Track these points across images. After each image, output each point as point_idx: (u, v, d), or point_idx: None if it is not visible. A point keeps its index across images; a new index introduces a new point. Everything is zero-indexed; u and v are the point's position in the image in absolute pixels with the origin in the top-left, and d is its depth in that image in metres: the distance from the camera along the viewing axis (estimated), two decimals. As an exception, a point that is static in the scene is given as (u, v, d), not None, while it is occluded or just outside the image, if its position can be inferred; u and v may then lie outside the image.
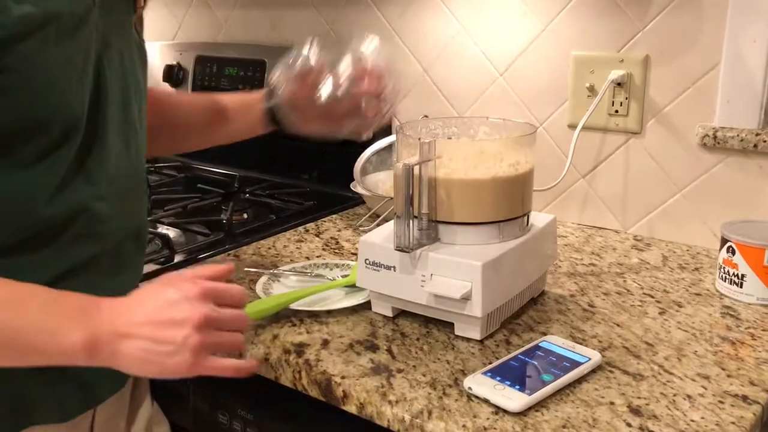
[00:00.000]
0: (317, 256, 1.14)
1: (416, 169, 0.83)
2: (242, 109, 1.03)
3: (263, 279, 1.01)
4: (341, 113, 0.95)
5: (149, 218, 1.30)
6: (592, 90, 1.22)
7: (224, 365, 0.69)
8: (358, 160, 1.33)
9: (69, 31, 0.68)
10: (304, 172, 1.58)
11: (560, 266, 1.10)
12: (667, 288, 1.02)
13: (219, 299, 0.68)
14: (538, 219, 0.96)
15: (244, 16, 1.68)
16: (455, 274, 0.84)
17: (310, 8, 1.56)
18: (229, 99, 1.04)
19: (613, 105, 1.21)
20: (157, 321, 0.64)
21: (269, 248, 1.17)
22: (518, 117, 1.29)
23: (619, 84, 1.19)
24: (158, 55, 1.76)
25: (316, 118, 0.98)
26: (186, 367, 0.65)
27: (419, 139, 0.85)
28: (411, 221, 0.84)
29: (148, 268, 1.06)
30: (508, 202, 0.89)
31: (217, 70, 1.66)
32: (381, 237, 0.90)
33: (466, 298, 0.83)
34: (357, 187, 1.33)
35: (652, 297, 0.99)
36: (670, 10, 1.13)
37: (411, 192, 0.84)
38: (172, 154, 1.67)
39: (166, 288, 0.67)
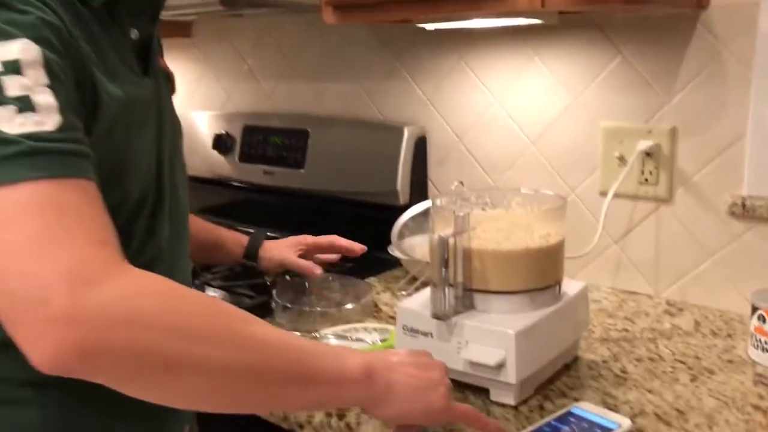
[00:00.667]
0: (357, 320, 1.18)
1: (451, 240, 0.89)
2: (234, 245, 1.23)
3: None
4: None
5: (198, 280, 1.38)
6: (621, 159, 1.26)
7: (472, 410, 0.79)
8: (396, 224, 1.38)
9: (143, 113, 0.76)
10: (346, 236, 1.64)
11: (594, 331, 1.13)
12: (699, 354, 1.04)
13: None
14: (570, 286, 1.00)
15: (288, 87, 1.78)
16: (490, 341, 0.88)
17: (350, 81, 1.64)
18: (225, 235, 1.25)
19: (642, 174, 1.25)
20: (416, 364, 0.76)
21: (311, 311, 1.22)
22: (550, 184, 1.34)
23: (648, 154, 1.23)
24: (208, 124, 1.86)
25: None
26: (442, 405, 0.75)
27: (454, 212, 0.91)
28: (447, 290, 0.89)
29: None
30: (540, 272, 0.93)
31: (263, 138, 1.75)
32: (418, 304, 0.95)
33: (500, 365, 0.86)
34: (394, 251, 1.38)
35: (684, 363, 1.01)
36: (695, 84, 1.18)
37: (446, 262, 0.89)
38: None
39: (425, 356, 0.79)
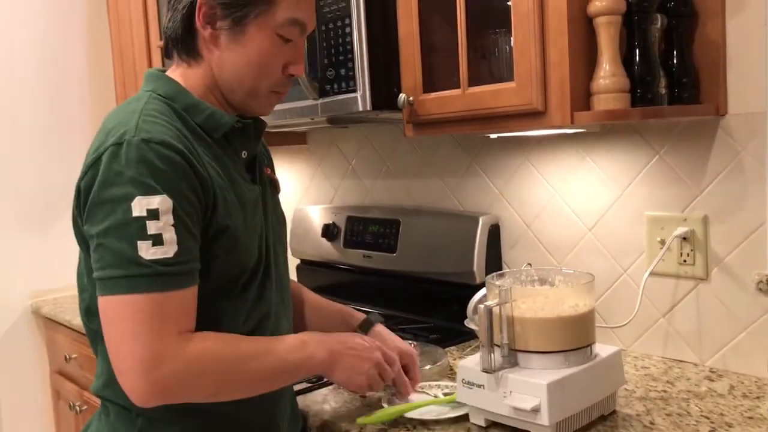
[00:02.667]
0: (434, 379, 1.42)
1: (495, 309, 1.13)
2: (342, 322, 1.39)
3: (389, 394, 1.31)
4: None
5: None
6: (663, 243, 1.46)
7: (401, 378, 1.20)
8: (471, 301, 1.62)
9: (252, 210, 1.09)
10: (431, 310, 1.89)
11: (635, 391, 1.31)
12: (724, 412, 1.20)
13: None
14: (605, 350, 1.21)
15: (385, 184, 2.09)
16: (528, 391, 1.10)
17: (436, 178, 1.93)
18: (337, 309, 1.42)
19: (681, 256, 1.44)
20: (357, 349, 1.13)
21: (396, 372, 1.47)
22: (604, 265, 1.55)
23: (684, 238, 1.43)
24: (318, 215, 2.20)
25: None
26: (362, 387, 1.14)
27: (498, 286, 1.15)
28: (493, 349, 1.13)
29: (300, 386, 1.40)
30: (572, 336, 1.14)
31: (363, 227, 2.05)
32: (474, 362, 1.19)
33: (535, 410, 1.08)
34: (470, 324, 1.61)
35: (708, 418, 1.18)
36: (720, 178, 1.37)
37: (491, 327, 1.12)
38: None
39: (366, 344, 1.15)
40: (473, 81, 1.38)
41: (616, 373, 1.22)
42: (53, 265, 2.62)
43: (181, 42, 1.07)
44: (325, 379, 1.48)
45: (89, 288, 1.04)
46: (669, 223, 1.45)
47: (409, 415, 1.21)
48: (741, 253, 1.36)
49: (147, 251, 0.91)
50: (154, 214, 0.91)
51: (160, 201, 0.92)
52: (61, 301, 2.55)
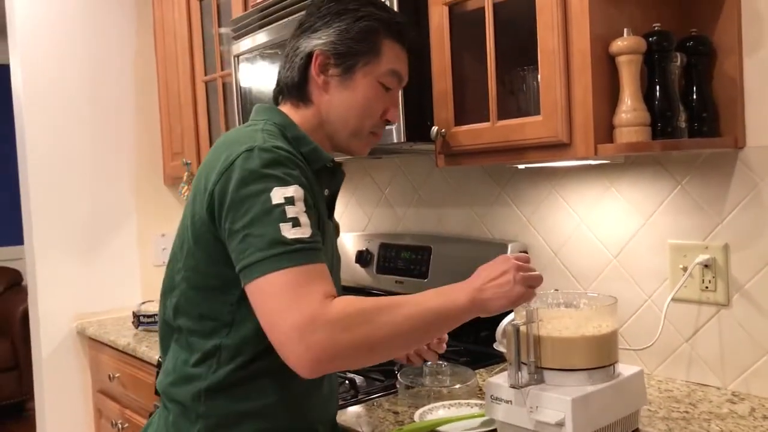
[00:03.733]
0: (463, 399, 1.48)
1: (522, 328, 1.20)
2: None
3: (420, 410, 1.38)
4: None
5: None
6: (685, 270, 1.51)
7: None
8: (499, 325, 1.68)
9: (328, 239, 1.19)
10: (461, 334, 1.95)
11: (658, 412, 1.36)
12: (743, 431, 1.25)
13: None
14: (628, 370, 1.26)
15: (416, 212, 2.18)
16: (553, 406, 1.16)
17: (466, 207, 2.02)
18: None
19: (703, 282, 1.49)
20: (495, 277, 1.12)
21: (427, 390, 1.54)
22: (629, 292, 1.61)
23: (706, 266, 1.48)
24: (352, 242, 2.29)
25: None
26: (519, 295, 1.12)
27: (526, 307, 1.22)
28: (520, 366, 1.19)
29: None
30: (595, 355, 1.21)
31: (395, 254, 2.13)
32: (502, 379, 1.25)
33: (560, 424, 1.14)
34: (499, 347, 1.68)
35: (728, 437, 1.23)
36: (740, 208, 1.43)
37: (519, 345, 1.19)
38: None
39: (494, 264, 1.15)
40: (502, 114, 1.47)
41: (639, 392, 1.28)
42: (98, 289, 2.75)
43: (296, 87, 1.23)
44: (359, 395, 1.56)
45: (182, 285, 1.15)
46: (691, 251, 1.51)
47: (441, 429, 1.28)
48: (761, 280, 1.42)
49: (289, 231, 1.02)
50: (290, 201, 1.03)
51: (294, 190, 1.04)
52: (105, 322, 2.66)
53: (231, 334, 1.12)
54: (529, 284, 1.13)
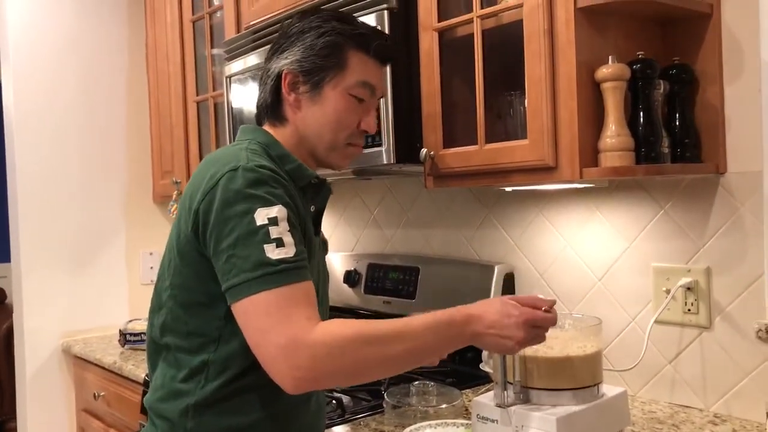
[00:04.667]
0: (450, 419, 1.49)
1: (509, 348, 1.21)
2: None
3: (407, 430, 1.39)
4: None
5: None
6: (668, 293, 1.54)
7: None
8: (486, 345, 1.70)
9: (314, 255, 1.20)
10: (448, 354, 1.97)
11: (641, 433, 1.38)
12: (726, 452, 1.27)
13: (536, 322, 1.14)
14: (612, 390, 1.28)
15: (404, 233, 2.20)
16: (538, 425, 1.17)
17: (454, 229, 2.04)
18: None
19: (686, 305, 1.52)
20: (501, 326, 1.11)
21: (413, 410, 1.55)
22: (613, 313, 1.63)
23: (689, 288, 1.51)
24: (341, 262, 2.30)
25: None
26: (509, 348, 1.13)
27: (512, 327, 1.24)
28: (506, 385, 1.21)
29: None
30: (580, 375, 1.23)
31: (383, 274, 2.15)
32: (488, 398, 1.27)
33: (545, 443, 1.16)
34: (484, 367, 1.69)
35: (710, 458, 1.24)
36: (721, 233, 1.46)
37: (505, 365, 1.21)
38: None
39: (503, 305, 1.13)
40: (490, 138, 1.50)
41: (623, 413, 1.29)
42: (84, 306, 2.74)
43: (271, 108, 1.26)
44: (346, 415, 1.56)
45: (169, 303, 1.17)
46: (674, 274, 1.54)
47: (427, 448, 1.29)
48: (742, 303, 1.44)
49: (273, 252, 1.03)
50: (274, 221, 1.05)
51: (277, 210, 1.06)
52: (91, 340, 2.65)
53: (218, 349, 1.13)
54: (535, 336, 1.15)
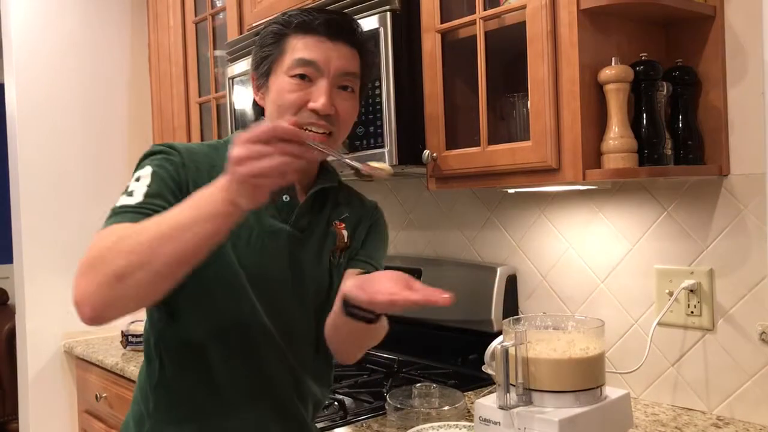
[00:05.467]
0: (452, 420, 1.49)
1: (511, 349, 1.21)
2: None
3: (413, 430, 1.39)
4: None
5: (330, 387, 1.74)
6: (671, 295, 1.54)
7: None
8: (488, 347, 1.70)
9: (262, 234, 1.20)
10: (450, 357, 1.97)
11: (644, 435, 1.38)
12: (729, 455, 1.26)
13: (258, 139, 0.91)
14: (615, 393, 1.28)
15: (406, 235, 2.19)
16: (541, 428, 1.17)
17: (456, 230, 2.04)
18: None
19: (689, 307, 1.51)
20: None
21: (416, 412, 1.55)
22: (616, 316, 1.63)
23: (691, 290, 1.51)
24: (342, 264, 2.30)
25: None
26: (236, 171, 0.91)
27: (515, 329, 1.23)
28: (508, 387, 1.20)
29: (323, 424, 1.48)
30: (582, 377, 1.22)
31: (385, 276, 2.14)
32: (490, 400, 1.26)
33: (548, 445, 1.15)
34: (487, 369, 1.69)
35: (713, 461, 1.24)
36: (724, 234, 1.46)
37: (508, 366, 1.21)
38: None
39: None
40: (492, 139, 1.50)
41: (625, 415, 1.29)
42: (86, 308, 2.73)
43: (260, 111, 1.25)
44: (348, 417, 1.56)
45: (158, 325, 1.21)
46: (677, 276, 1.53)
47: (429, 450, 1.29)
48: (745, 305, 1.44)
49: (120, 201, 1.10)
50: (136, 179, 1.12)
51: (144, 171, 1.13)
52: (93, 342, 2.65)
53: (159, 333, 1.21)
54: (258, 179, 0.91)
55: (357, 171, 1.44)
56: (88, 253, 0.99)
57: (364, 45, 1.22)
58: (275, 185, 0.92)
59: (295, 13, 1.20)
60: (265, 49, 1.20)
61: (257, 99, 1.24)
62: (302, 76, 1.16)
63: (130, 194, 1.08)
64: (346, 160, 1.07)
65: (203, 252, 0.95)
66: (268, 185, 0.92)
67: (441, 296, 0.98)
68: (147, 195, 1.08)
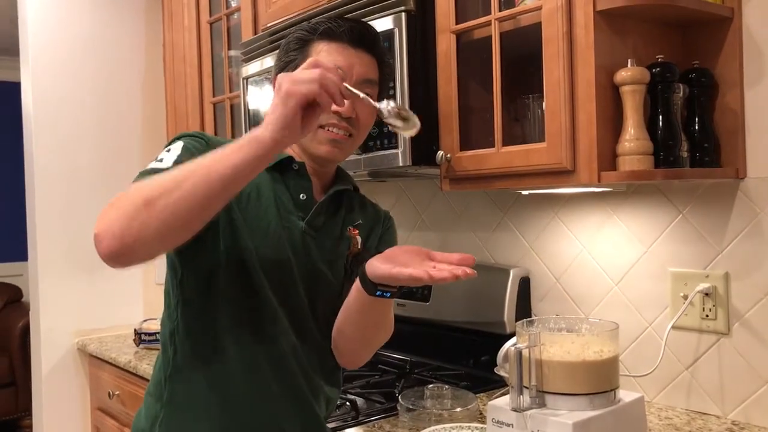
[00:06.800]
0: (464, 422, 1.49)
1: (525, 351, 1.21)
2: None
3: (425, 431, 1.39)
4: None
5: (342, 387, 1.74)
6: (686, 298, 1.53)
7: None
8: (501, 349, 1.69)
9: (280, 229, 1.23)
10: (462, 358, 1.97)
11: (658, 439, 1.37)
12: (744, 460, 1.25)
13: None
14: (629, 396, 1.27)
15: (419, 236, 2.19)
16: (555, 429, 1.17)
17: (469, 231, 2.03)
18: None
19: (704, 311, 1.50)
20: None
21: (428, 413, 1.55)
22: (630, 319, 1.62)
23: (707, 294, 1.50)
24: (354, 264, 2.30)
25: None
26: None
27: (528, 331, 1.23)
28: (521, 389, 1.20)
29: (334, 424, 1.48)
30: (596, 380, 1.22)
31: (397, 277, 2.14)
32: (503, 402, 1.26)
33: (561, 448, 1.15)
34: (500, 371, 1.68)
35: (728, 466, 1.23)
36: (740, 238, 1.45)
37: (521, 368, 1.20)
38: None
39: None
40: (507, 141, 1.49)
41: (639, 419, 1.28)
42: (99, 306, 2.76)
43: None
44: (360, 417, 1.56)
45: (175, 314, 1.21)
46: (692, 279, 1.52)
47: (441, 451, 1.28)
48: (761, 309, 1.43)
49: (151, 164, 1.15)
50: (167, 149, 1.17)
51: (175, 145, 1.17)
52: (106, 339, 2.67)
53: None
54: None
55: (373, 172, 1.42)
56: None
57: (384, 54, 1.27)
58: (301, 109, 1.00)
59: (321, 21, 1.24)
60: (291, 53, 1.23)
61: None
62: None
63: (160, 161, 1.13)
64: (375, 104, 1.12)
65: (230, 184, 0.99)
66: (298, 103, 0.99)
67: (464, 272, 1.10)
68: (176, 162, 1.10)
